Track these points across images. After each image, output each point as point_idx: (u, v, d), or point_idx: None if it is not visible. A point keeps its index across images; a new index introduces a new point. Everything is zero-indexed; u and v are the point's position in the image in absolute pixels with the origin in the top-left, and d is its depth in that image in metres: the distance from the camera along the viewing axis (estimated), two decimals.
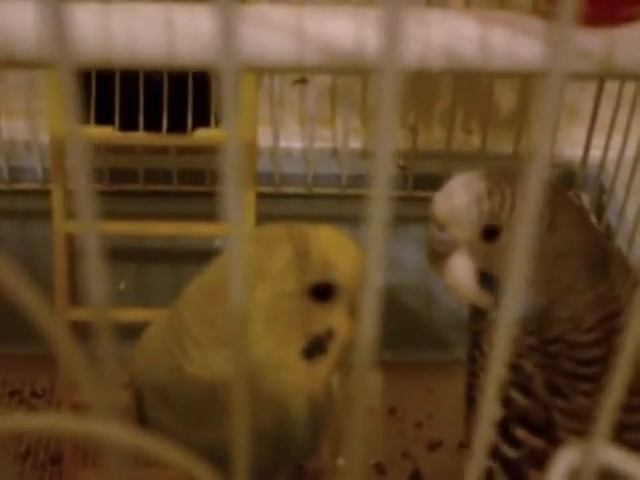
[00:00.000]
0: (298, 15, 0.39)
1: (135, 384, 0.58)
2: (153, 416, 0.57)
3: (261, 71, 0.76)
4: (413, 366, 0.94)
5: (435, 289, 0.93)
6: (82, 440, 0.76)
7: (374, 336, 0.22)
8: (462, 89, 0.95)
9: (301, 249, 0.52)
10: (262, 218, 0.79)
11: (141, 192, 0.95)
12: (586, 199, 0.98)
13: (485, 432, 0.22)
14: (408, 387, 0.93)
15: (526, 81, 0.95)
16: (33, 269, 0.88)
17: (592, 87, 0.91)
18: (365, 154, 0.99)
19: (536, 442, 0.55)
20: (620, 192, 0.90)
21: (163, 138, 0.82)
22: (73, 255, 0.80)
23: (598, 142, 0.92)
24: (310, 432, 0.55)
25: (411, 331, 0.96)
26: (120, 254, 0.92)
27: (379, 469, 0.86)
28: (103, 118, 0.81)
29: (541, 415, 0.55)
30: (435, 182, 0.63)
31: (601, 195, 0.96)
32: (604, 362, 0.55)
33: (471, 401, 0.62)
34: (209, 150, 0.84)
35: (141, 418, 0.58)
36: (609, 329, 0.56)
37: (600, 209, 0.95)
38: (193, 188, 0.95)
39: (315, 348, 0.53)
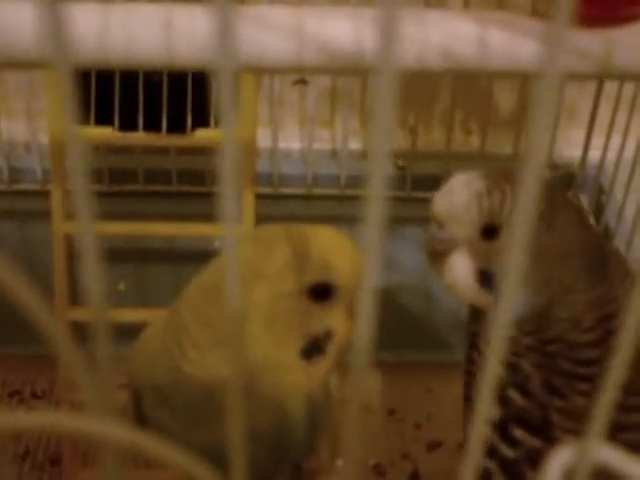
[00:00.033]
0: (297, 15, 0.39)
1: (134, 384, 0.58)
2: (152, 416, 0.57)
3: (260, 71, 0.76)
4: (413, 367, 0.94)
5: (435, 290, 0.93)
6: (81, 439, 0.76)
7: (371, 336, 0.22)
8: (461, 90, 0.95)
9: (299, 249, 0.52)
10: (261, 219, 0.79)
11: (140, 192, 0.95)
12: (585, 200, 0.98)
13: (481, 431, 0.22)
14: (408, 388, 0.93)
15: (525, 82, 0.95)
16: (33, 269, 0.89)
17: (591, 87, 0.91)
18: (364, 155, 0.99)
19: (534, 442, 0.55)
20: (619, 193, 0.90)
21: (163, 138, 0.82)
22: (72, 255, 0.80)
23: (597, 143, 0.92)
24: (308, 432, 0.55)
25: (411, 332, 0.96)
26: (119, 254, 0.92)
27: (379, 470, 0.86)
28: (103, 118, 0.82)
29: (539, 415, 0.55)
30: (434, 183, 0.63)
31: (600, 196, 0.96)
32: (602, 362, 0.55)
33: (469, 401, 0.62)
34: (208, 150, 0.84)
35: (140, 418, 0.58)
36: (608, 329, 0.56)
37: (599, 210, 0.95)
38: (192, 188, 0.95)
39: (313, 348, 0.53)
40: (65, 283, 0.80)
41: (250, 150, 0.79)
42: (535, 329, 0.57)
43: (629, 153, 0.87)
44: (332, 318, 0.54)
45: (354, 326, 0.22)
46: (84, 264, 0.22)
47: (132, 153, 0.93)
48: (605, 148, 0.92)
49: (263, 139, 0.92)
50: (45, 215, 0.80)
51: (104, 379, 0.23)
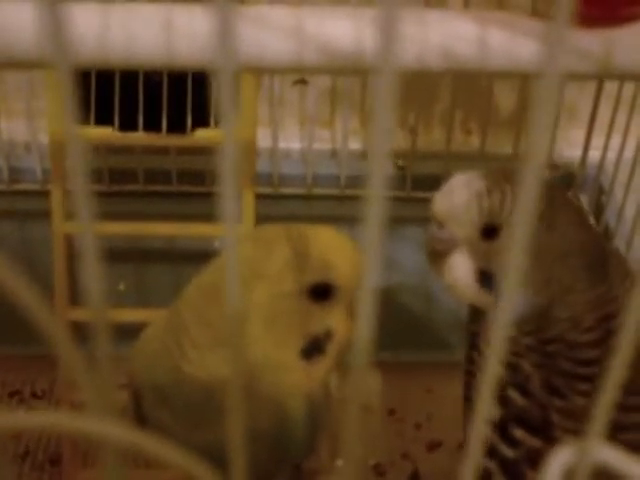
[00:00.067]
0: (297, 15, 0.39)
1: (134, 384, 0.58)
2: (152, 416, 0.57)
3: (260, 71, 0.76)
4: (413, 367, 0.94)
5: (435, 290, 0.93)
6: (80, 439, 0.76)
7: (371, 336, 0.22)
8: (461, 90, 0.95)
9: (299, 249, 0.52)
10: (261, 219, 0.79)
11: (141, 192, 0.95)
12: (585, 200, 0.98)
13: (481, 431, 0.22)
14: (408, 388, 0.93)
15: (525, 82, 0.95)
16: (33, 269, 0.89)
17: (591, 88, 0.91)
18: (364, 155, 0.99)
19: (534, 442, 0.55)
20: (619, 193, 0.90)
21: (163, 138, 0.82)
22: (72, 255, 0.80)
23: (597, 143, 0.92)
24: (308, 432, 0.55)
25: (411, 332, 0.96)
26: (120, 254, 0.92)
27: (379, 470, 0.86)
28: (103, 118, 0.82)
29: (539, 415, 0.55)
30: (435, 183, 0.63)
31: (600, 196, 0.96)
32: (602, 362, 0.55)
33: (470, 401, 0.62)
34: (208, 150, 0.84)
35: (140, 418, 0.58)
36: (608, 329, 0.56)
37: (599, 210, 0.95)
38: (192, 189, 0.95)
39: (313, 348, 0.53)
40: (65, 283, 0.80)
41: (250, 150, 0.79)
42: (535, 329, 0.57)
43: (629, 153, 0.87)
44: (332, 318, 0.54)
45: (354, 326, 0.22)
46: (84, 264, 0.22)
47: (132, 153, 0.93)
48: (605, 148, 0.92)
49: (263, 139, 0.92)
50: (45, 215, 0.80)
51: (104, 379, 0.23)
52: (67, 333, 0.22)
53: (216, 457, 0.27)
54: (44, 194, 0.84)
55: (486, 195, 0.57)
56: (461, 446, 0.85)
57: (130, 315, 0.78)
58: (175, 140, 0.83)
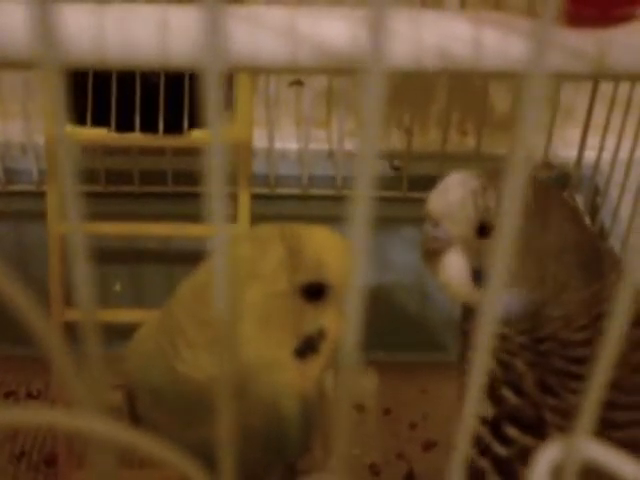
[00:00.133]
0: (292, 16, 0.39)
1: (128, 384, 0.58)
2: (146, 416, 0.57)
3: (255, 72, 0.76)
4: (408, 367, 0.94)
5: (430, 290, 0.93)
6: (76, 439, 0.76)
7: (358, 335, 0.22)
8: (457, 90, 0.95)
9: (293, 249, 0.52)
10: (257, 219, 0.79)
11: (136, 193, 0.95)
12: (580, 200, 0.98)
13: (469, 427, 0.22)
14: (403, 388, 0.93)
15: (520, 82, 0.95)
16: (28, 270, 0.89)
17: (587, 88, 0.91)
18: None
19: (527, 440, 0.55)
20: (614, 193, 0.90)
21: (159, 139, 0.82)
22: (68, 256, 0.80)
23: (592, 143, 0.92)
24: (302, 432, 0.55)
25: (406, 332, 0.96)
26: (115, 255, 0.92)
27: (374, 469, 0.86)
28: (100, 119, 0.82)
29: (532, 413, 0.56)
30: (430, 183, 0.63)
31: (595, 196, 0.96)
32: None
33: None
34: (204, 151, 0.84)
35: (134, 418, 0.58)
36: (601, 328, 0.56)
37: (594, 210, 0.96)
38: (188, 189, 0.95)
39: (307, 348, 0.53)
40: (60, 284, 0.80)
41: (246, 151, 0.79)
42: (529, 328, 0.57)
43: (624, 153, 0.87)
44: (325, 317, 0.54)
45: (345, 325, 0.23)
46: (74, 264, 0.22)
47: (128, 154, 0.93)
48: (601, 148, 0.92)
49: (259, 140, 0.92)
50: (41, 216, 0.80)
51: (95, 379, 0.23)
52: (58, 334, 0.22)
53: (210, 456, 0.27)
54: (40, 195, 0.84)
55: (481, 193, 0.57)
56: None
57: (126, 315, 0.78)
58: (171, 141, 0.83)
